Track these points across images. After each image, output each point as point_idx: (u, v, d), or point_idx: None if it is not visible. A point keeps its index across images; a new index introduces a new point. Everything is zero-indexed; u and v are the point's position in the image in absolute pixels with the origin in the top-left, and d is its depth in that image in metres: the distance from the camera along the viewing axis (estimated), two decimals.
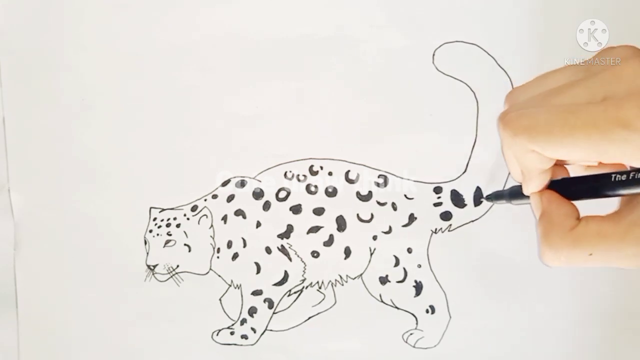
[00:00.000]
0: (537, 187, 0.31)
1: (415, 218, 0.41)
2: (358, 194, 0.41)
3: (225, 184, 0.42)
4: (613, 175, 0.28)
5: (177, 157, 0.42)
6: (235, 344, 0.43)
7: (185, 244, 0.42)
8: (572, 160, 0.28)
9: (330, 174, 0.42)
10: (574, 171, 0.32)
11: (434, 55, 0.41)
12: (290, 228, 0.42)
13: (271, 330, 0.43)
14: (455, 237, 0.41)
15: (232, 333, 0.43)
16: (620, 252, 0.27)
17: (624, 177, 0.27)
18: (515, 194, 0.36)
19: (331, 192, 0.42)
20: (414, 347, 0.42)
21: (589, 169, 0.32)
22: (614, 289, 0.41)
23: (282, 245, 0.42)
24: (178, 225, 0.42)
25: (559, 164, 0.30)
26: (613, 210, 0.28)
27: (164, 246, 0.42)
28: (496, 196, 0.39)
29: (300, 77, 0.42)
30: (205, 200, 0.42)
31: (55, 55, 0.42)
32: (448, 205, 0.41)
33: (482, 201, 0.41)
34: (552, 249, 0.28)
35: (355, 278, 0.42)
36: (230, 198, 0.42)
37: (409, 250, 0.42)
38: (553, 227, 0.29)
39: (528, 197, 0.33)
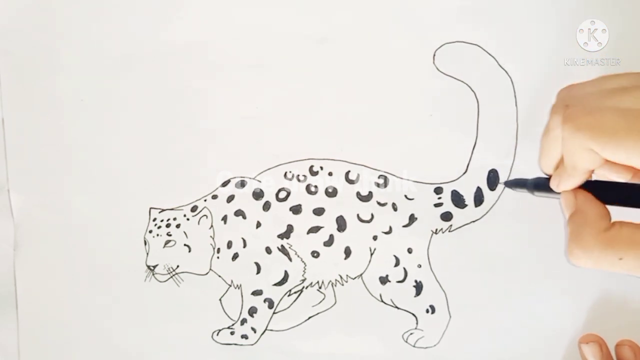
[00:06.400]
0: (575, 185, 0.30)
1: (416, 218, 0.41)
2: (358, 194, 0.41)
3: (225, 184, 0.42)
4: None
5: (177, 158, 0.42)
6: (235, 344, 0.43)
7: (185, 244, 0.42)
8: (628, 164, 0.27)
9: (330, 174, 0.42)
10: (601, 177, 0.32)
11: (434, 55, 0.41)
12: (290, 228, 0.42)
13: (271, 330, 0.43)
14: (456, 238, 0.41)
15: (232, 333, 0.43)
16: None
17: None
18: (540, 185, 0.35)
19: (331, 193, 0.42)
20: (414, 346, 0.42)
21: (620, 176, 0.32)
22: (614, 288, 0.41)
23: (282, 245, 0.42)
24: (178, 226, 0.42)
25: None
26: None
27: (164, 246, 0.42)
28: (517, 184, 0.39)
29: (300, 77, 0.42)
30: (205, 200, 0.42)
31: (55, 56, 0.42)
32: (448, 205, 0.41)
33: (483, 200, 0.41)
34: (583, 248, 0.28)
35: (355, 278, 0.42)
36: (230, 198, 0.42)
37: (409, 251, 0.42)
38: (586, 227, 0.29)
39: (552, 190, 0.33)
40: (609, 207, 0.30)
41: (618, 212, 0.30)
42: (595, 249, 0.28)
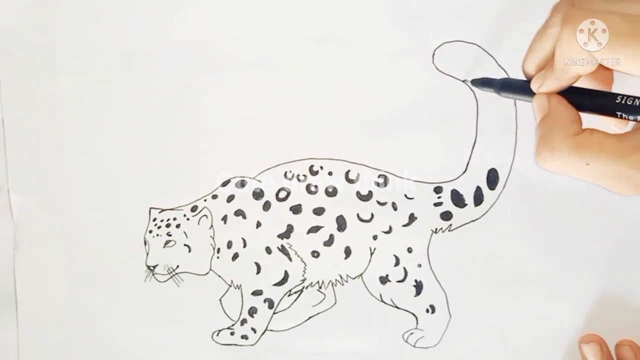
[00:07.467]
0: (558, 89, 0.30)
1: (416, 218, 0.41)
2: (358, 193, 0.41)
3: (225, 184, 0.42)
4: (625, 97, 0.28)
5: (177, 157, 0.42)
6: (235, 344, 0.43)
7: (185, 245, 0.42)
8: (624, 70, 0.27)
9: (330, 173, 0.42)
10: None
11: (433, 55, 0.41)
12: (290, 228, 0.42)
13: (271, 330, 0.43)
14: (456, 237, 0.41)
15: (232, 333, 0.42)
16: (617, 170, 0.27)
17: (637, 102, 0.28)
18: (509, 86, 0.34)
19: (331, 192, 0.42)
20: (414, 346, 0.42)
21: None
22: (614, 288, 0.41)
23: (282, 245, 0.42)
24: (178, 226, 0.42)
25: None
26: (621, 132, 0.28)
27: (164, 246, 0.42)
28: (484, 83, 0.38)
29: (300, 77, 0.42)
30: (205, 200, 0.42)
31: (55, 55, 0.42)
32: (448, 205, 0.41)
33: (482, 200, 0.41)
34: (551, 149, 0.28)
35: (355, 278, 0.42)
36: (230, 198, 0.42)
37: (409, 250, 0.42)
38: (557, 128, 0.29)
39: (522, 93, 0.33)
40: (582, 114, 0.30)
41: None
42: (564, 151, 0.28)
